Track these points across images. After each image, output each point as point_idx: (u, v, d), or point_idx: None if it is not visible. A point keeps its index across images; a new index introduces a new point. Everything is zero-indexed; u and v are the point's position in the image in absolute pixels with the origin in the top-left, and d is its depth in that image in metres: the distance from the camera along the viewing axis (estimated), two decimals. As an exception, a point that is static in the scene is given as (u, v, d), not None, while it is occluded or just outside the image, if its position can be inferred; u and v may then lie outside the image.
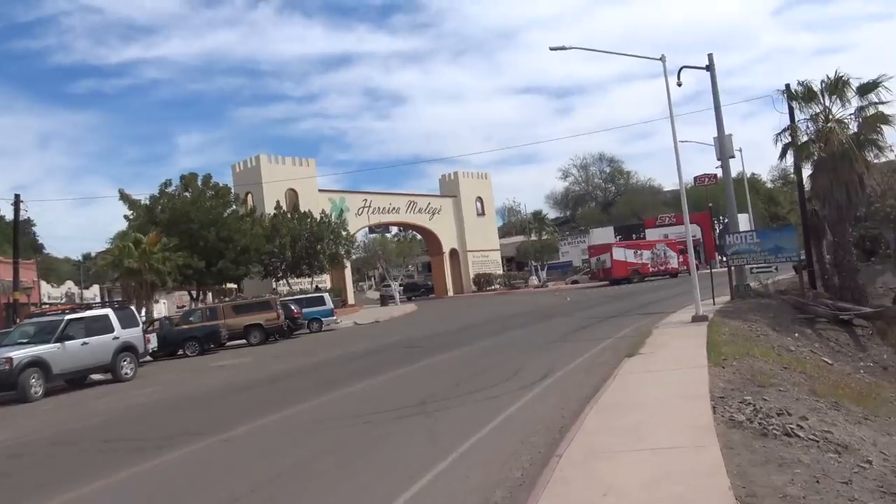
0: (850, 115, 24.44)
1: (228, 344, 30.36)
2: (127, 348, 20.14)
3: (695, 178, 60.02)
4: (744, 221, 47.61)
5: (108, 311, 20.56)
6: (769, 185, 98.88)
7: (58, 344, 18.23)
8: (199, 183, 44.08)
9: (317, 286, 47.35)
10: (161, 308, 51.69)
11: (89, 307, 24.12)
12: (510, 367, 15.07)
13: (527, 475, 6.89)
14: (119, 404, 15.33)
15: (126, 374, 20.05)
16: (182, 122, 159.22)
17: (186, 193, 43.36)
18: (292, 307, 33.48)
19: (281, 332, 31.49)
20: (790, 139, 25.72)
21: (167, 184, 43.59)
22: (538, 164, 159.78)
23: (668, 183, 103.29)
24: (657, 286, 46.33)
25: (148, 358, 27.69)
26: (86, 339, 19.03)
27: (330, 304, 36.62)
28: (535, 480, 6.49)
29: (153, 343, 25.84)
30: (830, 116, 24.32)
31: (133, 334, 20.55)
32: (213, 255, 41.50)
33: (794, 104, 25.91)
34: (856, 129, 24.30)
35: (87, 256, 56.69)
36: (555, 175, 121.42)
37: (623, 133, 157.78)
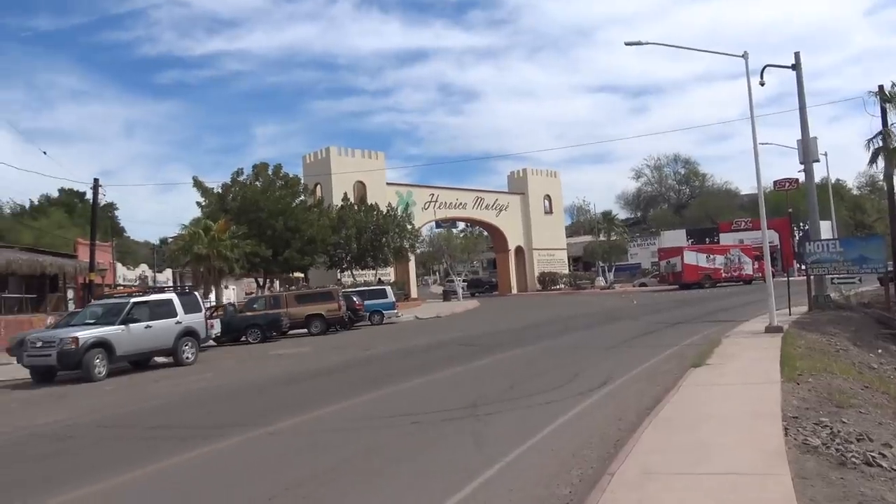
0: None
1: (290, 332, 30.69)
2: (189, 333, 20.44)
3: (774, 183, 57.37)
4: (826, 229, 45.34)
5: (173, 296, 20.93)
6: (855, 192, 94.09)
7: (122, 326, 18.62)
8: (270, 173, 44.82)
9: (380, 279, 47.50)
10: (230, 294, 52.87)
11: (159, 291, 24.68)
12: (569, 370, 14.52)
13: (575, 493, 6.41)
14: (175, 389, 15.48)
15: (187, 358, 20.36)
16: (259, 114, 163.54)
17: (257, 183, 44.14)
18: (354, 299, 33.57)
19: (342, 322, 31.60)
20: (882, 143, 24.16)
21: (239, 172, 44.50)
22: (610, 164, 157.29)
23: (746, 186, 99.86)
24: (729, 293, 44.59)
25: (211, 343, 28.32)
26: (149, 323, 19.39)
27: (392, 297, 36.61)
28: (584, 500, 6.01)
29: (216, 329, 26.23)
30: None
31: (195, 320, 20.84)
32: (279, 244, 42.15)
33: (888, 106, 24.34)
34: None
35: (163, 241, 58.48)
36: (627, 175, 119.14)
37: (700, 135, 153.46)
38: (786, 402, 9.94)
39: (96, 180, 33.02)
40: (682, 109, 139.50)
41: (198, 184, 43.34)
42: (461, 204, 63.22)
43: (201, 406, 13.18)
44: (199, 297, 22.48)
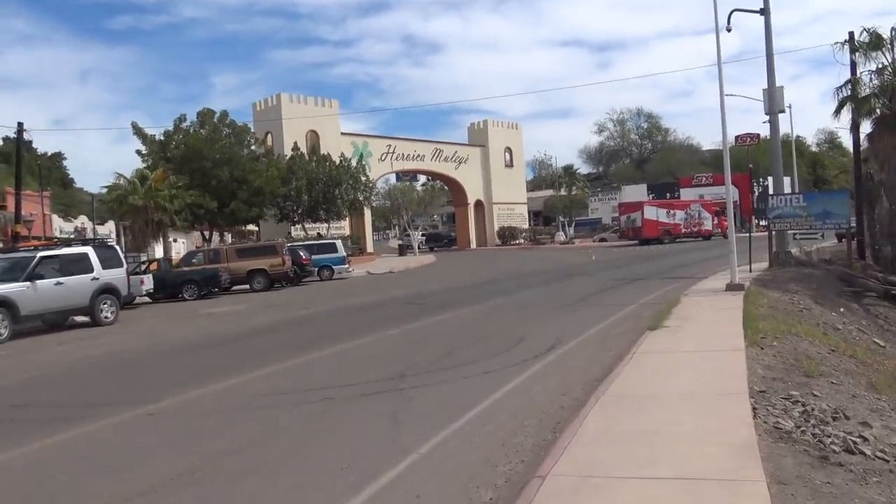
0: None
1: (235, 289, 29.04)
2: (108, 290, 18.69)
3: (736, 138, 56.64)
4: (786, 185, 44.67)
5: (88, 250, 19.04)
6: (814, 148, 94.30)
7: (27, 283, 16.80)
8: (216, 120, 42.42)
9: (319, 233, 45.45)
10: (179, 248, 50.58)
11: (83, 244, 22.69)
12: (515, 333, 13.26)
13: (498, 501, 5.09)
14: (71, 356, 13.82)
15: (106, 318, 18.65)
16: (218, 63, 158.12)
17: (202, 131, 41.72)
18: (301, 253, 31.92)
19: (287, 278, 30.01)
20: (850, 93, 23.04)
21: (181, 119, 41.96)
22: (575, 120, 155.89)
23: (707, 142, 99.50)
24: (689, 248, 43.93)
25: (146, 300, 26.56)
26: (61, 279, 17.59)
27: (342, 252, 34.97)
28: (504, 514, 4.69)
29: (147, 285, 24.43)
30: (899, 68, 21.60)
31: (115, 275, 19.07)
32: (225, 196, 40.09)
33: (857, 55, 23.15)
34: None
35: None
36: (590, 129, 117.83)
37: (663, 91, 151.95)
38: (751, 373, 8.78)
39: (20, 124, 30.41)
40: (646, 65, 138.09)
41: (138, 131, 40.78)
42: (419, 156, 61.30)
43: (85, 378, 11.48)
44: (119, 250, 20.58)
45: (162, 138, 41.40)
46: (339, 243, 35.65)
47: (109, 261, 19.13)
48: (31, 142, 76.84)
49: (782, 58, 68.11)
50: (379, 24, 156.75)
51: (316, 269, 33.47)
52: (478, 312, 17.15)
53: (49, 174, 73.82)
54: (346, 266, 35.32)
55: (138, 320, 20.00)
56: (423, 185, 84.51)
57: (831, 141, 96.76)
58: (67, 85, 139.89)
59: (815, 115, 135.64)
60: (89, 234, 44.56)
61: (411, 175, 68.42)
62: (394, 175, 60.67)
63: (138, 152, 40.77)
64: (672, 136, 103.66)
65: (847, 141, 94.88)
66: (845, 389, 9.21)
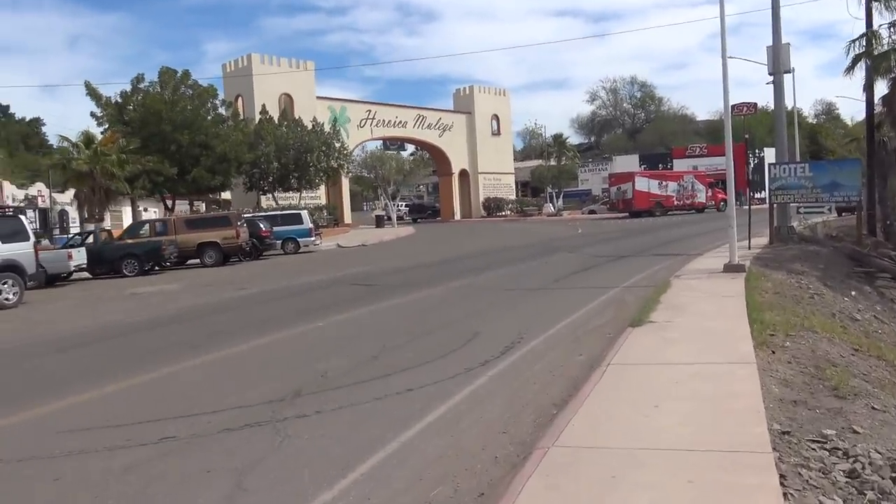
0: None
1: (190, 263, 26.47)
2: (8, 268, 16.07)
3: (732, 107, 53.95)
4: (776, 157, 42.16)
5: (-17, 221, 16.42)
6: (811, 120, 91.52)
7: None
8: (178, 80, 39.38)
9: (279, 204, 42.60)
10: (150, 217, 47.62)
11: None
12: (471, 325, 10.85)
13: None
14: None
15: (7, 300, 16.06)
16: (210, 29, 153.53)
17: (165, 93, 38.68)
18: (260, 225, 29.31)
19: (243, 252, 27.44)
20: (864, 49, 20.49)
21: (139, 78, 38.86)
22: (569, 91, 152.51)
23: (702, 111, 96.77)
24: (681, 221, 41.52)
25: (85, 275, 24.03)
26: (-53, 255, 15.00)
27: (308, 223, 32.25)
28: None
29: (77, 260, 21.82)
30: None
31: (18, 250, 16.44)
32: (187, 162, 37.24)
33: (875, 5, 20.57)
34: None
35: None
36: (582, 98, 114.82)
37: (658, 62, 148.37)
38: (767, 394, 6.41)
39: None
40: (642, 36, 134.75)
41: (91, 91, 37.65)
42: (401, 122, 58.25)
43: None
44: (24, 221, 17.85)
45: (119, 100, 38.39)
46: (304, 214, 32.95)
47: (13, 235, 16.50)
48: (7, 107, 73.57)
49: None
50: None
51: (279, 241, 30.91)
52: (435, 297, 14.69)
53: (24, 140, 70.46)
54: (314, 238, 32.65)
55: (49, 302, 17.43)
56: (411, 154, 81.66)
57: (829, 112, 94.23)
58: (57, 51, 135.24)
59: (811, 89, 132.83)
60: (41, 203, 41.62)
61: (398, 143, 65.53)
62: (374, 142, 57.71)
63: (93, 115, 37.78)
64: (666, 105, 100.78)
65: (846, 112, 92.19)
66: (892, 418, 6.83)
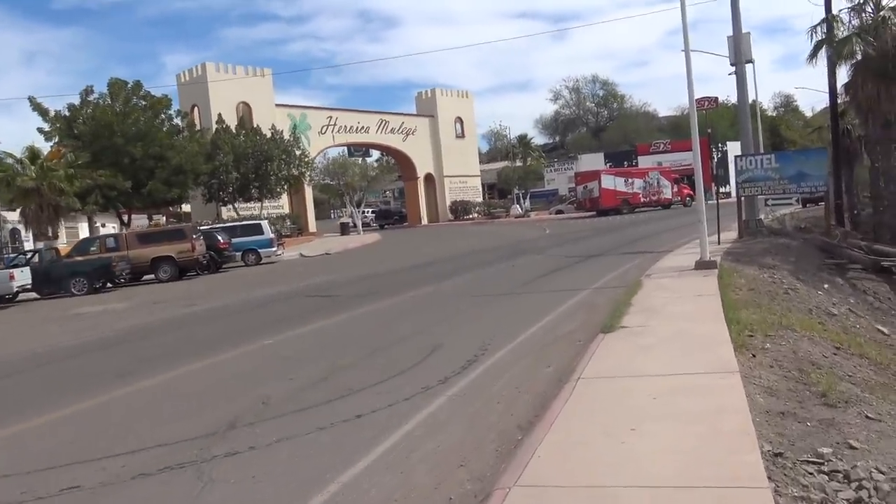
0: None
1: (146, 279, 25.31)
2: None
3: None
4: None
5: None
6: (771, 113, 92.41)
7: None
8: (129, 92, 38.06)
9: (234, 214, 41.46)
10: (106, 233, 45.89)
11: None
12: (432, 336, 10.13)
13: None
14: None
15: (-64, 326, 14.97)
16: (168, 42, 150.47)
17: (116, 105, 37.32)
18: (218, 237, 28.23)
19: (200, 266, 26.37)
20: (825, 35, 20.19)
21: (88, 90, 37.48)
22: (533, 92, 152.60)
23: (664, 108, 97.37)
24: (649, 218, 41.23)
25: (33, 295, 22.84)
26: None
27: (268, 233, 31.23)
28: None
29: (20, 280, 20.64)
30: (884, 3, 18.70)
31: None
32: (142, 175, 35.96)
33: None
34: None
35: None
36: (545, 97, 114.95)
37: (620, 61, 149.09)
38: (752, 405, 5.78)
39: None
40: (601, 35, 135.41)
41: (36, 106, 36.18)
42: (363, 128, 57.28)
43: None
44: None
45: (67, 113, 36.94)
46: (265, 224, 31.92)
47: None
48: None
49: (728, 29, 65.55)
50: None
51: (239, 253, 29.86)
52: (397, 306, 13.93)
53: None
54: (275, 249, 31.63)
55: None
56: (377, 160, 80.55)
57: (787, 105, 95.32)
58: (12, 68, 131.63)
59: (768, 83, 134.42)
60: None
61: (363, 149, 64.53)
62: (336, 149, 56.56)
63: (40, 130, 36.32)
64: (628, 103, 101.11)
65: (804, 104, 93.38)
66: (889, 427, 6.23)
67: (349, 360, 8.95)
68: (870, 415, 6.38)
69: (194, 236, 25.79)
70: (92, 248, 25.49)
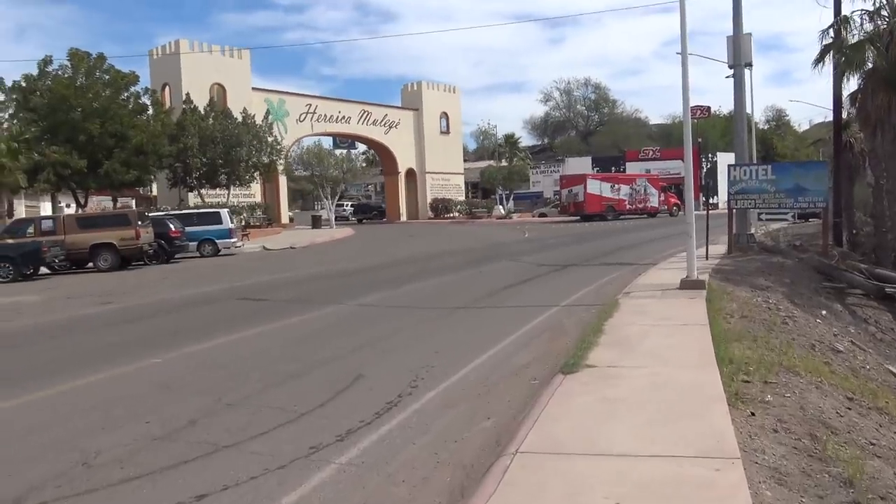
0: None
1: (89, 267, 23.19)
2: None
3: (686, 109, 52.54)
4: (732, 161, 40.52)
5: None
6: (763, 126, 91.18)
7: None
8: (92, 65, 35.72)
9: (204, 201, 39.29)
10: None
11: None
12: (354, 364, 8.26)
13: None
14: None
15: None
16: (164, 24, 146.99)
17: (78, 78, 34.98)
18: (170, 224, 26.11)
19: (145, 255, 24.25)
20: (833, 39, 18.45)
21: (47, 61, 35.08)
22: (527, 93, 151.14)
23: (655, 115, 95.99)
24: (634, 226, 39.53)
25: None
26: None
27: (228, 223, 29.13)
28: None
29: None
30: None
31: None
32: (99, 154, 33.69)
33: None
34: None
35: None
36: (536, 98, 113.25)
37: (614, 68, 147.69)
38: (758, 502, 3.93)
39: None
40: (597, 42, 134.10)
41: (-9, 78, 33.78)
42: (344, 118, 55.14)
43: None
44: None
45: (23, 84, 34.58)
46: (224, 213, 29.81)
47: None
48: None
49: (722, 42, 64.18)
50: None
51: (194, 243, 27.79)
52: (332, 317, 11.97)
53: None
54: (235, 240, 29.55)
55: None
56: (363, 153, 78.33)
57: (779, 119, 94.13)
58: (4, 40, 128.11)
59: (760, 98, 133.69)
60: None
61: (349, 141, 62.43)
62: (312, 138, 54.29)
63: (-8, 104, 33.92)
64: (620, 108, 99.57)
65: (795, 118, 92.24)
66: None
67: (238, 395, 7.00)
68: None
69: (140, 223, 23.67)
70: (29, 231, 23.33)
